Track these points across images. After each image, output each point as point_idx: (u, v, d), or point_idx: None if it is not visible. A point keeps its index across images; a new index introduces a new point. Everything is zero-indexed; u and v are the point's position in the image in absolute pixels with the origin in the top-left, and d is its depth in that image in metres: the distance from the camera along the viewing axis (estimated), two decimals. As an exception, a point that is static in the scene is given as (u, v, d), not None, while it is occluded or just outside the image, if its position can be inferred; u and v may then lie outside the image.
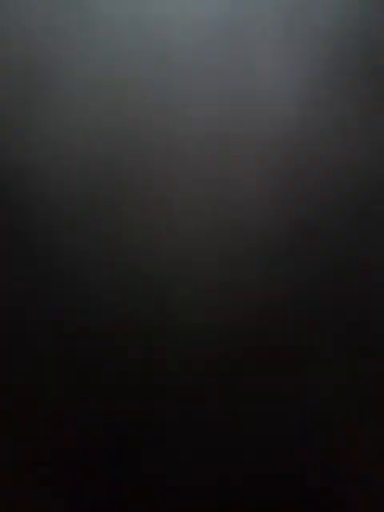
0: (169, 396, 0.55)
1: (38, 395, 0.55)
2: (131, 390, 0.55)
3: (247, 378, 0.55)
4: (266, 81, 0.54)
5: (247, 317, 0.55)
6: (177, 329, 0.55)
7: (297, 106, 0.54)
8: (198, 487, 0.55)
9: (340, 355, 0.55)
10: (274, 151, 0.54)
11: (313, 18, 0.55)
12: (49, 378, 0.55)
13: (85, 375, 0.55)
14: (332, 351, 0.55)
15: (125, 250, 0.55)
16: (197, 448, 0.55)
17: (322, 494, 0.55)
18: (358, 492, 0.55)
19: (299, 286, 0.55)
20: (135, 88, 0.55)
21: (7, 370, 0.56)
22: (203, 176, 0.55)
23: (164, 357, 0.55)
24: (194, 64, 0.55)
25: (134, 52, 0.54)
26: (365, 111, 0.54)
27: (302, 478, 0.55)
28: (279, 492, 0.55)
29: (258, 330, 0.55)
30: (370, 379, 0.55)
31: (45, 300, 0.56)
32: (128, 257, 0.55)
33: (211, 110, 0.54)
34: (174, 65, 0.55)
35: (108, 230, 0.55)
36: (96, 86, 0.55)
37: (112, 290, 0.55)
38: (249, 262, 0.55)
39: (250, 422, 0.55)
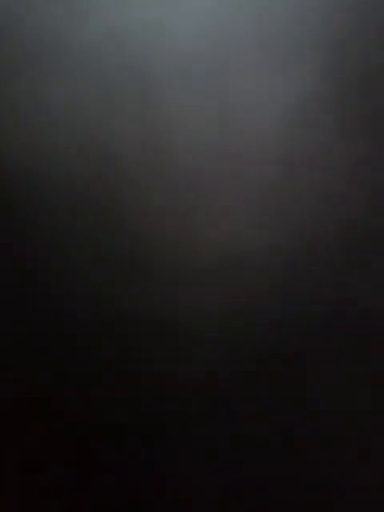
0: (168, 412, 0.55)
1: (38, 395, 0.56)
2: (131, 393, 0.56)
3: (250, 385, 0.55)
4: (250, 98, 0.55)
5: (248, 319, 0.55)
6: (179, 329, 0.55)
7: (283, 124, 0.54)
8: (197, 490, 0.55)
9: (341, 364, 0.55)
10: (261, 185, 0.54)
11: (301, 33, 0.55)
12: (49, 378, 0.55)
13: (85, 375, 0.55)
14: (332, 361, 0.55)
15: (125, 248, 0.56)
16: (197, 456, 0.55)
17: (323, 497, 0.55)
18: (358, 493, 0.55)
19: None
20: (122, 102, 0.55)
21: (7, 370, 0.56)
22: (185, 196, 0.55)
23: (163, 357, 0.55)
24: (178, 77, 0.55)
25: (118, 67, 0.55)
26: (352, 133, 0.55)
27: (303, 481, 0.55)
28: (280, 495, 0.55)
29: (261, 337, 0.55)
30: (371, 389, 0.55)
31: (44, 300, 0.56)
32: (128, 256, 0.56)
33: (197, 123, 0.55)
34: (159, 77, 0.55)
35: (108, 230, 0.55)
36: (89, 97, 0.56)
37: (112, 289, 0.56)
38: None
39: (253, 429, 0.55)
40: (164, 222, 0.55)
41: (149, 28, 0.55)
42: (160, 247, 0.55)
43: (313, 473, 0.55)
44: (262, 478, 0.55)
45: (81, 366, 0.56)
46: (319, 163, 0.54)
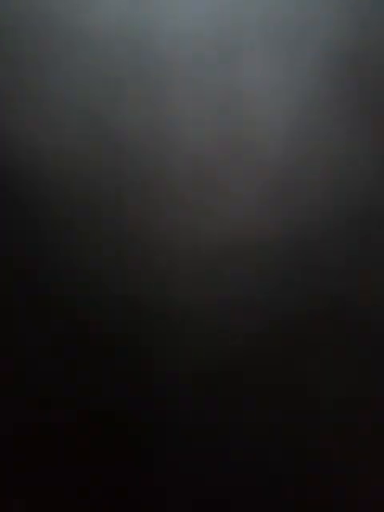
0: (168, 400, 0.55)
1: (36, 394, 0.55)
2: (131, 392, 0.55)
3: (248, 385, 0.55)
4: (255, 86, 0.55)
5: (248, 322, 0.55)
6: (178, 329, 0.55)
7: (285, 127, 0.54)
8: (197, 489, 0.55)
9: (340, 358, 0.55)
10: (262, 175, 0.54)
11: (303, 37, 0.55)
12: (48, 379, 0.55)
13: (85, 377, 0.55)
14: (332, 361, 0.55)
15: (125, 235, 0.56)
16: (197, 458, 0.55)
17: (323, 500, 0.55)
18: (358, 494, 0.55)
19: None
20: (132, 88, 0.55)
21: (6, 370, 0.56)
22: (188, 200, 0.55)
23: (164, 357, 0.55)
24: (180, 78, 0.55)
25: (125, 60, 0.55)
26: (353, 134, 0.55)
27: (302, 483, 0.55)
28: (280, 494, 0.55)
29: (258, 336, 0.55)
30: (371, 388, 0.55)
31: (44, 300, 0.56)
32: (128, 242, 0.56)
33: (198, 131, 0.55)
34: (162, 78, 0.55)
35: (108, 229, 0.55)
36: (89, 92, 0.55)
37: (112, 277, 0.55)
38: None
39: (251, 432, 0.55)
40: (164, 209, 0.55)
41: (153, 13, 0.55)
42: (160, 234, 0.55)
43: (314, 474, 0.55)
44: (262, 477, 0.55)
45: (81, 358, 0.55)
46: (323, 154, 0.54)
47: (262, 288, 0.55)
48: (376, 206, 0.55)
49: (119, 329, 0.55)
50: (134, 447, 0.55)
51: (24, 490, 0.56)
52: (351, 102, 0.55)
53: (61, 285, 0.55)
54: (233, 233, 0.55)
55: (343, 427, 0.55)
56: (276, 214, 0.55)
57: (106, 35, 0.55)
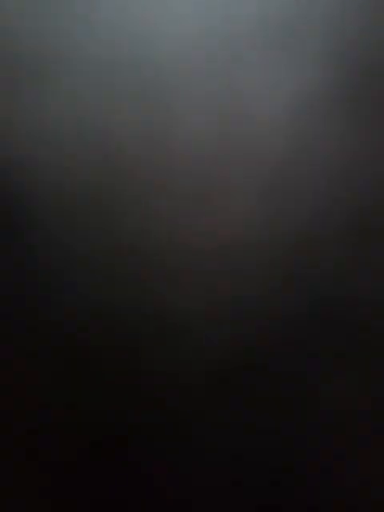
0: (168, 402, 0.55)
1: (37, 396, 0.55)
2: (131, 392, 0.55)
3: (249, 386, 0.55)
4: (254, 85, 0.55)
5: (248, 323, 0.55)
6: (178, 329, 0.55)
7: (286, 119, 0.54)
8: (197, 488, 0.55)
9: (341, 357, 0.55)
10: (263, 165, 0.54)
11: (303, 37, 0.55)
12: (48, 378, 0.55)
13: (84, 376, 0.55)
14: (332, 362, 0.55)
15: (124, 247, 0.56)
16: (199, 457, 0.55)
17: (323, 500, 0.55)
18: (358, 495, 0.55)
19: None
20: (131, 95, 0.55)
21: (6, 369, 0.56)
22: (192, 191, 0.55)
23: (164, 357, 0.55)
24: (181, 73, 0.55)
25: (124, 59, 0.55)
26: (353, 133, 0.55)
27: (302, 484, 0.55)
28: (280, 493, 0.55)
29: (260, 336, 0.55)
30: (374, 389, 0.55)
31: (44, 300, 0.56)
32: (127, 245, 0.56)
33: (199, 123, 0.55)
34: (165, 75, 0.55)
35: (107, 228, 0.55)
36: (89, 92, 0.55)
37: (111, 279, 0.55)
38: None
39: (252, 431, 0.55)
40: (164, 210, 0.55)
41: (151, 14, 0.55)
42: (159, 236, 0.55)
43: (314, 474, 0.55)
44: (262, 477, 0.55)
45: (79, 366, 0.55)
46: (323, 154, 0.54)
47: (262, 288, 0.55)
48: (376, 205, 0.55)
49: (119, 331, 0.55)
50: (134, 453, 0.55)
51: (24, 490, 0.56)
52: (351, 101, 0.55)
53: (60, 289, 0.55)
54: (233, 233, 0.55)
55: (343, 427, 0.55)
56: (276, 214, 0.55)
57: (106, 37, 0.55)
